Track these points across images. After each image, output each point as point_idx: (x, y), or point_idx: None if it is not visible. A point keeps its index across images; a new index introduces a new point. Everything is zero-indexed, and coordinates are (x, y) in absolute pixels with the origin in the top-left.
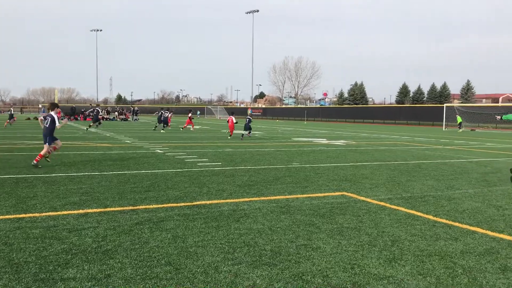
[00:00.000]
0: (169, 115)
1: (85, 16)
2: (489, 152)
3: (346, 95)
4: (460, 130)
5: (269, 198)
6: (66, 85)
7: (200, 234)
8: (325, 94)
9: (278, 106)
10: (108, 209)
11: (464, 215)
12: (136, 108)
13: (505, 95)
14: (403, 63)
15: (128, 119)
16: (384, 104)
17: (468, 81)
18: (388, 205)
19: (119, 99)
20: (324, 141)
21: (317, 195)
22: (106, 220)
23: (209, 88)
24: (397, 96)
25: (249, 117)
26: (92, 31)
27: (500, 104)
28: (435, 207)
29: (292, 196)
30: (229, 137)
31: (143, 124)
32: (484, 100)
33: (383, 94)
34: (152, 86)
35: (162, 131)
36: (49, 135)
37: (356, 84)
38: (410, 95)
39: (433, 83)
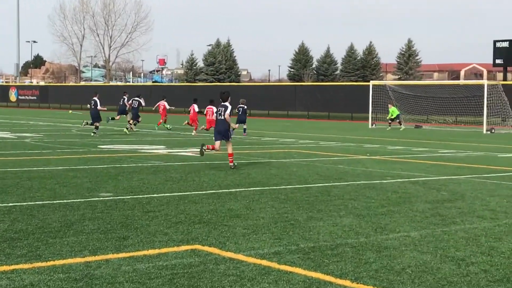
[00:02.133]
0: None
1: None
2: (444, 165)
3: (200, 63)
4: (402, 128)
5: (52, 263)
6: None
7: None
8: (162, 62)
9: (72, 83)
10: None
11: (404, 277)
12: None
13: (471, 66)
14: (301, 7)
15: None
16: (269, 82)
17: (410, 41)
18: (275, 264)
19: None
20: (161, 150)
21: (146, 252)
22: None
23: None
24: (290, 68)
25: (242, 105)
26: None
27: (462, 81)
28: (355, 265)
29: (98, 258)
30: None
31: None
32: (436, 74)
33: (267, 63)
34: None
35: (134, 129)
36: (228, 129)
37: (218, 44)
38: (313, 65)
39: (351, 43)
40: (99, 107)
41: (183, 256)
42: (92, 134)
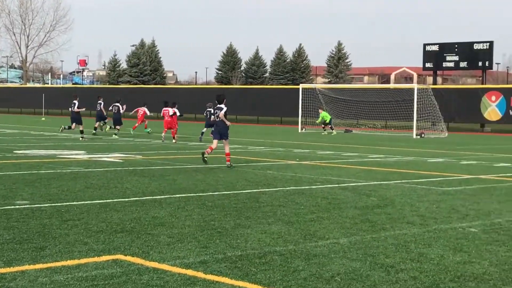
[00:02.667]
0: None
1: None
2: (374, 170)
3: (124, 65)
4: (334, 132)
5: None
6: None
7: None
8: (83, 63)
9: None
10: None
11: (333, 285)
12: None
13: (401, 69)
14: (229, 8)
15: None
16: (196, 85)
17: (340, 43)
18: (201, 274)
19: None
20: (82, 155)
21: (64, 263)
22: None
23: None
24: (218, 70)
25: (210, 109)
26: None
27: (393, 85)
28: (283, 274)
29: (13, 269)
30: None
31: None
32: (366, 77)
33: (194, 65)
34: None
35: (114, 135)
36: (227, 129)
37: (142, 44)
38: (242, 68)
39: (281, 46)
40: (75, 108)
41: (104, 267)
42: (81, 138)
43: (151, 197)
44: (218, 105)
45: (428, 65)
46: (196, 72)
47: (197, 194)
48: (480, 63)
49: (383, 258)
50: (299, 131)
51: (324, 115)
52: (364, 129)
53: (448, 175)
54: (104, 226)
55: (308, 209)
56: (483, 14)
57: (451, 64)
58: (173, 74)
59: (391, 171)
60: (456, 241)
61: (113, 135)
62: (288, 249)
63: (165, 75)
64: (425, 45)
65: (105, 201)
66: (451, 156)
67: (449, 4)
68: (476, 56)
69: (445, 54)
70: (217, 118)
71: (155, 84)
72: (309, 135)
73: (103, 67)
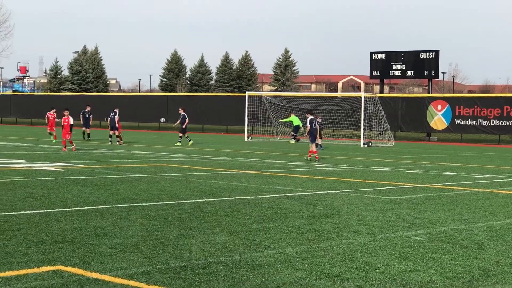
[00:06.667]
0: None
1: None
2: (321, 179)
3: (66, 72)
4: (293, 141)
5: None
6: None
7: None
8: (24, 70)
9: None
10: None
11: None
12: None
13: (348, 77)
14: (174, 14)
15: None
16: (140, 92)
17: (287, 51)
18: (144, 285)
19: None
20: (22, 164)
21: (2, 274)
22: None
23: None
24: (162, 77)
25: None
26: None
27: (340, 93)
28: (228, 284)
29: None
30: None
31: None
32: (313, 85)
33: (138, 72)
34: None
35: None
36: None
37: (85, 51)
38: (186, 75)
39: (226, 53)
40: (111, 117)
41: (44, 278)
42: (117, 143)
43: (92, 207)
44: (312, 117)
45: (375, 73)
46: (139, 79)
47: (140, 204)
48: (426, 72)
49: (329, 268)
50: (245, 139)
51: (293, 118)
52: None
53: (394, 184)
54: (44, 237)
55: (253, 219)
56: (429, 23)
57: (398, 73)
58: (116, 82)
59: (338, 180)
60: (401, 250)
61: (177, 143)
62: (233, 259)
63: (108, 82)
64: (372, 53)
65: (45, 211)
66: (398, 165)
67: (396, 13)
68: (422, 65)
69: (391, 63)
70: (314, 126)
71: (98, 91)
72: (255, 144)
73: (45, 74)
